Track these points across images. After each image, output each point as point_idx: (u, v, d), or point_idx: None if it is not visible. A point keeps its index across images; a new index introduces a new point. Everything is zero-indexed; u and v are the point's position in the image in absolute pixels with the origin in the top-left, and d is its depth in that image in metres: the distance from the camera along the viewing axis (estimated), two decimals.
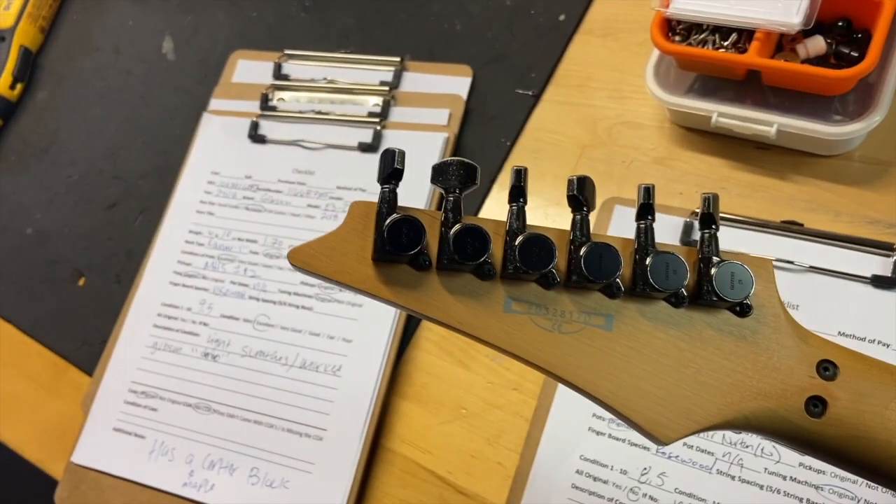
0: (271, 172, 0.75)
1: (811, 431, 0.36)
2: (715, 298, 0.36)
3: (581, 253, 0.36)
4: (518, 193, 0.37)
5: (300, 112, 0.77)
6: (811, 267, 0.57)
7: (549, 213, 0.69)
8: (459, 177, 0.37)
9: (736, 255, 0.37)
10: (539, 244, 0.36)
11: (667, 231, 0.62)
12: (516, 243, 0.36)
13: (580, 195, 0.37)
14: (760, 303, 0.37)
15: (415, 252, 0.35)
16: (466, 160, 0.37)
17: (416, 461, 0.63)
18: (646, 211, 0.37)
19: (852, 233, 0.58)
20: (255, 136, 0.77)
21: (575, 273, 0.36)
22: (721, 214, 0.61)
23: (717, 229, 0.37)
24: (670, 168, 0.66)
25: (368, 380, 0.65)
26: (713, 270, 0.36)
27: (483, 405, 0.63)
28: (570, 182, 0.37)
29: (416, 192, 0.69)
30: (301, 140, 0.76)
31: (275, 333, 0.68)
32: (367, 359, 0.65)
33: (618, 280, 0.36)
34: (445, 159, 0.37)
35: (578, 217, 0.37)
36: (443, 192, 0.37)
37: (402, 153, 0.37)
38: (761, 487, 0.54)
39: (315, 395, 0.65)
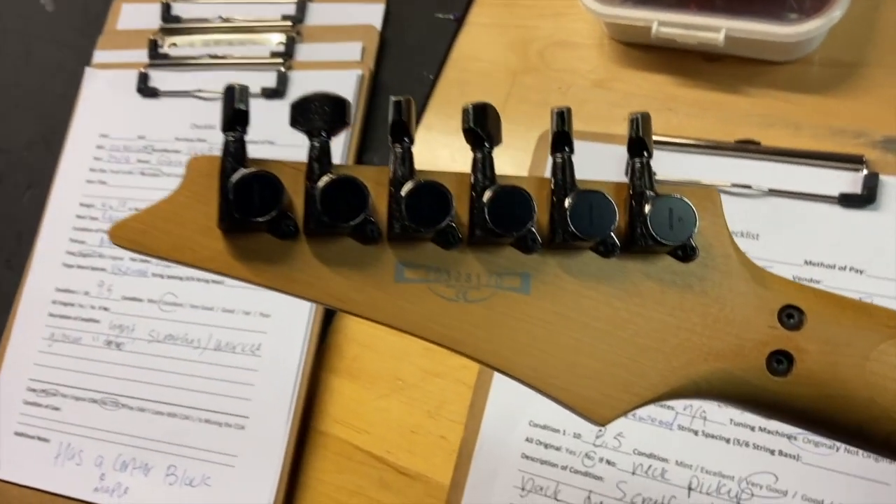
0: (167, 130, 0.67)
1: (776, 393, 0.30)
2: (651, 242, 0.29)
3: (484, 200, 0.29)
4: (400, 130, 0.29)
5: (194, 58, 0.68)
6: (771, 190, 0.51)
7: None
8: (324, 115, 0.29)
9: (675, 187, 0.30)
10: (431, 194, 0.29)
11: (610, 163, 0.54)
12: (402, 194, 0.29)
13: (478, 128, 0.30)
14: (707, 243, 0.31)
15: (272, 216, 0.28)
16: (331, 93, 0.29)
17: (351, 442, 0.57)
18: (562, 141, 0.30)
19: (815, 147, 0.52)
20: (146, 90, 0.68)
21: (479, 226, 0.29)
22: (670, 139, 0.54)
23: (649, 157, 0.30)
24: (611, 91, 0.59)
25: (292, 357, 0.58)
26: (647, 208, 0.29)
27: (421, 374, 0.57)
28: (464, 113, 0.30)
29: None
30: (197, 90, 0.67)
31: (184, 313, 0.61)
32: (289, 334, 0.58)
33: (532, 230, 0.29)
34: (305, 95, 0.30)
35: (479, 155, 0.30)
36: (306, 136, 0.29)
37: (245, 89, 0.29)
38: (728, 441, 0.48)
39: (233, 380, 0.58)
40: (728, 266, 0.30)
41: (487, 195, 0.29)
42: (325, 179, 0.28)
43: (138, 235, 0.29)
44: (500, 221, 0.29)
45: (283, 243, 0.29)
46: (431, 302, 0.29)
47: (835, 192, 0.50)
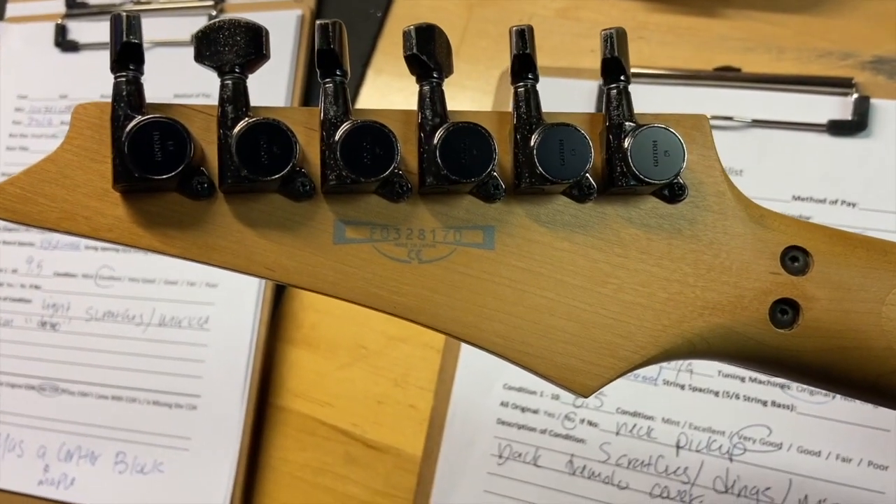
0: (91, 87, 0.61)
1: (781, 347, 0.26)
2: (633, 182, 0.25)
3: (436, 141, 0.24)
4: (330, 62, 0.24)
5: (116, 5, 0.62)
6: (755, 121, 0.47)
7: None
8: (235, 46, 0.24)
9: (657, 117, 0.26)
10: (371, 136, 0.24)
11: (578, 102, 0.50)
12: (336, 139, 0.24)
13: (423, 54, 0.25)
14: (697, 179, 0.26)
15: (179, 171, 0.23)
16: (244, 19, 0.24)
17: (314, 417, 0.53)
18: (524, 66, 0.25)
19: (800, 72, 0.48)
20: (65, 44, 0.62)
21: (430, 173, 0.25)
22: (642, 70, 0.50)
23: (627, 81, 0.26)
24: (577, 21, 0.54)
25: (244, 329, 0.53)
26: (627, 142, 0.25)
27: (385, 340, 0.53)
28: (405, 37, 0.25)
29: (268, 93, 0.55)
30: None
31: (123, 288, 0.56)
32: (239, 304, 0.54)
33: (494, 174, 0.25)
34: (211, 22, 0.24)
35: (427, 88, 0.25)
36: (216, 73, 0.24)
37: (136, 18, 0.23)
38: (716, 394, 0.45)
39: (181, 357, 0.54)
40: (722, 205, 0.26)
41: (439, 135, 0.25)
42: (241, 125, 0.24)
43: (19, 203, 0.24)
44: (456, 166, 0.24)
45: (196, 204, 0.24)
46: (379, 265, 0.25)
47: (823, 120, 0.46)
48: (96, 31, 0.62)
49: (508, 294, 0.25)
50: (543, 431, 0.47)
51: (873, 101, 0.45)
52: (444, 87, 0.26)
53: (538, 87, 0.26)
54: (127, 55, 0.24)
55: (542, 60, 0.26)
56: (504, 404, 0.48)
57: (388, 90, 0.57)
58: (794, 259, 0.26)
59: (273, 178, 0.23)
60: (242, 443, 0.51)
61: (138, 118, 0.23)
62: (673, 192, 0.26)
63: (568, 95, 0.51)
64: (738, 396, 0.44)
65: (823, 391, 0.42)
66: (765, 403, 0.44)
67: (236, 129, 0.24)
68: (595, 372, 0.25)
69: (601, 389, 0.26)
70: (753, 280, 0.26)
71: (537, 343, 0.25)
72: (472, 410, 0.49)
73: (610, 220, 0.26)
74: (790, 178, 0.46)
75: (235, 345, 0.53)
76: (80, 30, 0.62)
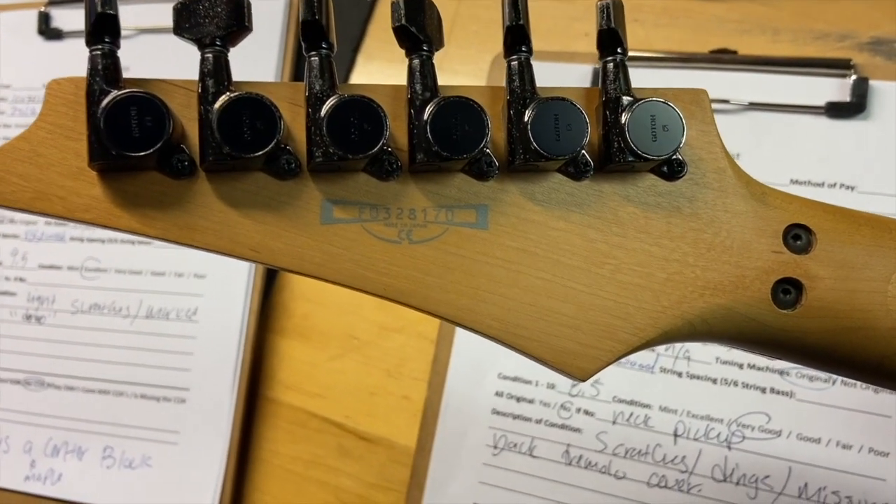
0: (75, 75, 0.59)
1: (784, 328, 0.25)
2: (631, 158, 0.24)
3: (426, 116, 0.23)
4: (315, 34, 0.23)
5: None
6: (751, 103, 0.46)
7: None
8: (216, 18, 0.23)
9: (655, 91, 0.25)
10: (359, 111, 0.23)
11: (572, 85, 0.49)
12: (322, 115, 0.23)
13: (412, 25, 0.24)
14: (696, 156, 0.26)
15: (157, 148, 0.22)
16: None
17: (305, 409, 0.52)
18: (517, 38, 0.25)
19: (797, 53, 0.47)
20: (49, 32, 0.61)
21: (421, 149, 0.24)
22: (637, 53, 0.49)
23: (624, 54, 0.25)
24: (570, 3, 0.53)
25: (233, 320, 0.52)
26: (625, 117, 0.24)
27: (378, 330, 0.52)
28: (394, 8, 0.24)
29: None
30: None
31: (109, 279, 0.55)
32: (228, 294, 0.53)
33: (487, 151, 0.24)
34: None
35: (417, 62, 0.24)
36: (195, 46, 0.23)
37: None
38: (714, 381, 0.44)
39: (170, 349, 0.53)
40: (722, 182, 0.26)
41: (429, 110, 0.24)
42: (222, 99, 0.23)
43: None
44: (447, 142, 0.23)
45: (177, 183, 0.23)
46: (368, 246, 0.24)
47: (821, 102, 0.45)
48: (80, 18, 0.60)
49: (503, 275, 0.25)
50: (539, 421, 0.46)
51: (872, 82, 0.44)
52: (435, 61, 0.25)
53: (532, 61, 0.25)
54: (102, 27, 0.23)
55: (534, 44, 0.25)
56: (499, 394, 0.47)
57: (379, 76, 0.56)
58: (797, 237, 0.25)
59: (256, 155, 0.23)
60: (232, 436, 0.51)
61: (115, 93, 0.22)
62: (672, 169, 0.25)
63: (561, 80, 0.50)
64: (736, 383, 0.44)
65: (824, 375, 0.42)
66: (763, 390, 0.43)
67: (217, 104, 0.23)
68: (593, 355, 0.25)
69: (597, 375, 0.26)
70: (755, 259, 0.25)
71: (533, 326, 0.25)
72: (466, 401, 0.48)
73: (607, 198, 0.25)
74: (788, 162, 0.45)
75: (225, 336, 0.52)
76: (64, 17, 0.61)
